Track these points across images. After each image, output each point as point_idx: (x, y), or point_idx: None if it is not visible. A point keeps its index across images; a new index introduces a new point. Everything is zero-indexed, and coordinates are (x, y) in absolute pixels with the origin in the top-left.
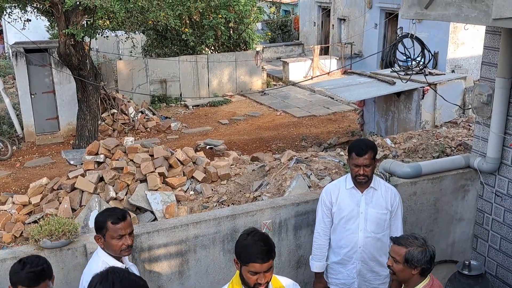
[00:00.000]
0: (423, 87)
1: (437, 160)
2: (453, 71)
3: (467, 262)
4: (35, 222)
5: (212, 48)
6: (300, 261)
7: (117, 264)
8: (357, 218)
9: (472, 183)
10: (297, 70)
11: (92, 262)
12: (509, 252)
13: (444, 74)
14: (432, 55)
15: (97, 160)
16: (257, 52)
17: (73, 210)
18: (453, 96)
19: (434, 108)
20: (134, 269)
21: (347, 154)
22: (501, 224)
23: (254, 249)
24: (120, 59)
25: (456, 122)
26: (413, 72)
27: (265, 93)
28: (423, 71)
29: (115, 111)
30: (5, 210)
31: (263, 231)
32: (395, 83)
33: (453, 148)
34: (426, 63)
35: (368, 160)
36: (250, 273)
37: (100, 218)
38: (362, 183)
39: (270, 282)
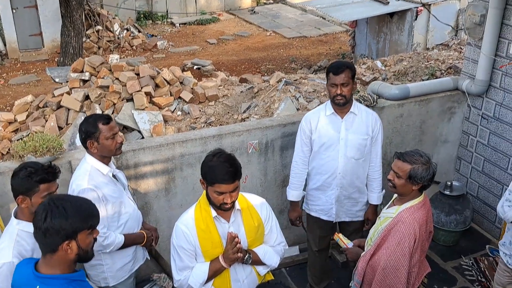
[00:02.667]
0: (417, 7)
1: (426, 82)
2: None
3: (449, 183)
4: (21, 139)
5: None
6: (285, 180)
7: (105, 168)
8: (337, 144)
9: (459, 105)
10: None
11: (81, 168)
12: (491, 173)
13: None
14: None
15: (83, 78)
16: None
17: (60, 128)
18: (447, 17)
19: (426, 30)
20: (121, 176)
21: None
22: (485, 147)
23: (219, 170)
24: None
25: (448, 45)
26: None
27: (254, 11)
28: None
29: (100, 27)
30: None
31: (249, 151)
32: (388, 2)
33: (443, 71)
34: None
35: (346, 79)
36: (216, 193)
37: (89, 124)
38: (340, 104)
39: (236, 201)
